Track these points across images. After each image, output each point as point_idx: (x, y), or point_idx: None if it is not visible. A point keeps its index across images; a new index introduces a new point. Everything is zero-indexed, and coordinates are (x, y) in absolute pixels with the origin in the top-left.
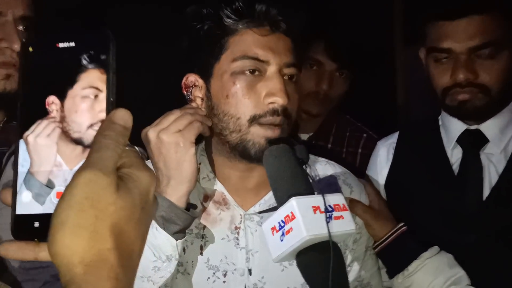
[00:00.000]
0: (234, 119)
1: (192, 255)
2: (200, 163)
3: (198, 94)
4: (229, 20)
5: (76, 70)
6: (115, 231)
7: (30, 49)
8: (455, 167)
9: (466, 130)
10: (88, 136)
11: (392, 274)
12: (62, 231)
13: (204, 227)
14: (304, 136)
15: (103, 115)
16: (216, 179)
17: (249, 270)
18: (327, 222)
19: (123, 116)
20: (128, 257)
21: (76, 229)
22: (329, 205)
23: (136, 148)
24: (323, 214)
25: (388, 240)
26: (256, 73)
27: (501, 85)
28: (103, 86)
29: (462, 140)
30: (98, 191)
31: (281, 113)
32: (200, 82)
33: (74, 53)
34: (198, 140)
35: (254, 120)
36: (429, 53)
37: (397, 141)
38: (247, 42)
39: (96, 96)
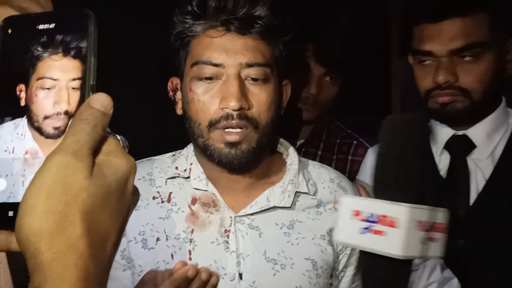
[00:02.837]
0: (196, 125)
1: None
2: (191, 164)
3: (180, 97)
4: (187, 23)
5: (34, 56)
6: (86, 218)
7: (10, 30)
8: (443, 172)
9: (454, 136)
10: (46, 126)
11: None
12: (30, 216)
13: (193, 230)
14: (296, 143)
15: (59, 107)
16: (208, 179)
17: (240, 275)
18: (425, 243)
19: (103, 101)
20: (100, 247)
21: (45, 214)
22: (431, 224)
23: (118, 136)
24: (423, 232)
25: None
26: (213, 79)
27: (482, 88)
28: (61, 75)
29: (450, 145)
30: (70, 176)
31: (237, 117)
32: (180, 85)
33: (54, 35)
34: (188, 139)
35: (211, 125)
36: (414, 56)
37: None
38: (202, 46)
39: (50, 88)
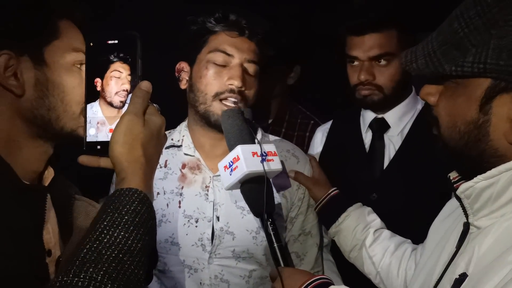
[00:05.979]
0: (203, 94)
1: (173, 209)
2: (183, 136)
3: (185, 76)
4: (210, 24)
5: (106, 63)
6: (143, 147)
7: (91, 44)
8: (367, 146)
9: (375, 118)
10: (115, 100)
11: (328, 226)
12: (116, 146)
13: (182, 187)
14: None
15: (124, 86)
16: (195, 148)
17: (217, 217)
18: (262, 163)
19: (147, 85)
20: (150, 162)
21: (123, 144)
22: (264, 152)
23: (154, 104)
24: (260, 157)
25: (324, 201)
26: (224, 64)
27: (392, 85)
28: (123, 70)
29: (372, 125)
30: (134, 126)
31: (237, 93)
32: (187, 67)
33: (116, 48)
34: (182, 116)
35: (216, 96)
36: (346, 59)
37: (330, 127)
38: (220, 40)
39: (119, 77)
